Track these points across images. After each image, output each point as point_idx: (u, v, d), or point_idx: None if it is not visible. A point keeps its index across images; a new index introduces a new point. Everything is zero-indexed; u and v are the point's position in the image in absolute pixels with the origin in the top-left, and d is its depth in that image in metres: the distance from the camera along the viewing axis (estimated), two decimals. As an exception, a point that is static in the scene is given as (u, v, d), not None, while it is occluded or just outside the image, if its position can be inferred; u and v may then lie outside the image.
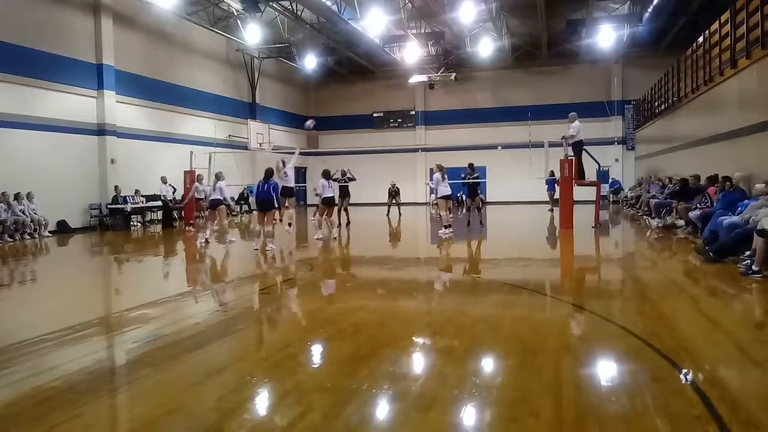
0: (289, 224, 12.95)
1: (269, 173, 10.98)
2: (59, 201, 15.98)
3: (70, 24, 16.60)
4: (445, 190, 13.38)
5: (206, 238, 12.15)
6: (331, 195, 13.15)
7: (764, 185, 8.28)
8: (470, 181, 15.35)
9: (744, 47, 10.51)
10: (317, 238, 12.62)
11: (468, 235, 13.78)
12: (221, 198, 12.52)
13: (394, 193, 20.45)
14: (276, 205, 10.96)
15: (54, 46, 15.98)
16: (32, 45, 15.32)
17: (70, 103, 16.58)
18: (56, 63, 16.04)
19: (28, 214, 14.61)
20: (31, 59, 15.28)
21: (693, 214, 10.77)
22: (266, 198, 10.69)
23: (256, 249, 10.85)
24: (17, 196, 14.46)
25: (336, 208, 13.08)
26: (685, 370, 3.70)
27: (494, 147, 23.19)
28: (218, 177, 12.77)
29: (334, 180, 14.45)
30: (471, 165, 15.50)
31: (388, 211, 20.30)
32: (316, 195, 14.15)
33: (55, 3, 16.13)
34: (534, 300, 6.47)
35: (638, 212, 17.55)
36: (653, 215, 14.29)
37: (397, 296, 6.89)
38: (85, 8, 17.08)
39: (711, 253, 8.00)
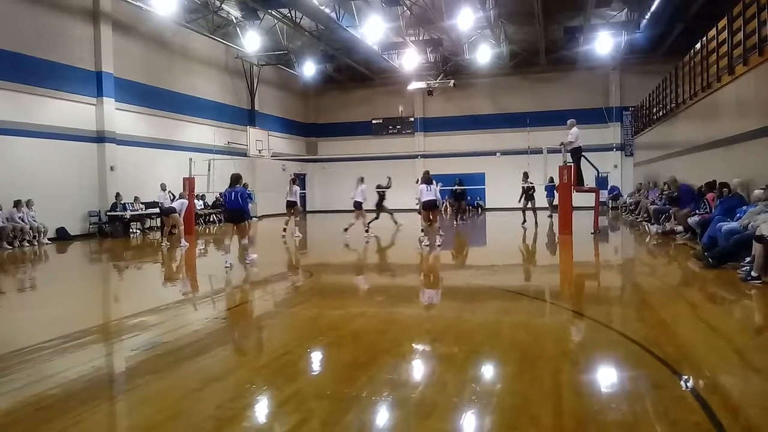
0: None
1: (236, 179, 9.97)
2: (58, 208, 15.96)
3: (70, 31, 16.63)
4: (424, 197, 13.14)
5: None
6: (428, 199, 12.03)
7: (762, 191, 8.29)
8: (526, 185, 17.29)
9: (741, 54, 10.55)
10: (425, 245, 12.02)
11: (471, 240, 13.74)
12: (174, 206, 13.88)
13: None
14: (246, 216, 9.94)
15: (53, 53, 16.01)
16: (32, 52, 15.34)
17: (70, 110, 16.58)
18: (55, 70, 16.06)
19: (27, 221, 14.58)
20: (31, 67, 15.29)
21: (692, 220, 10.77)
22: (236, 208, 9.73)
23: (227, 266, 9.34)
24: (17, 204, 14.42)
25: (433, 212, 12.05)
26: (685, 377, 3.70)
27: (493, 153, 23.16)
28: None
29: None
30: (526, 174, 17.12)
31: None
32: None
33: (54, 10, 16.17)
34: (533, 306, 6.46)
35: (637, 218, 17.56)
36: (652, 221, 14.30)
37: (396, 303, 6.87)
38: (84, 16, 17.13)
39: (710, 259, 8.00)
